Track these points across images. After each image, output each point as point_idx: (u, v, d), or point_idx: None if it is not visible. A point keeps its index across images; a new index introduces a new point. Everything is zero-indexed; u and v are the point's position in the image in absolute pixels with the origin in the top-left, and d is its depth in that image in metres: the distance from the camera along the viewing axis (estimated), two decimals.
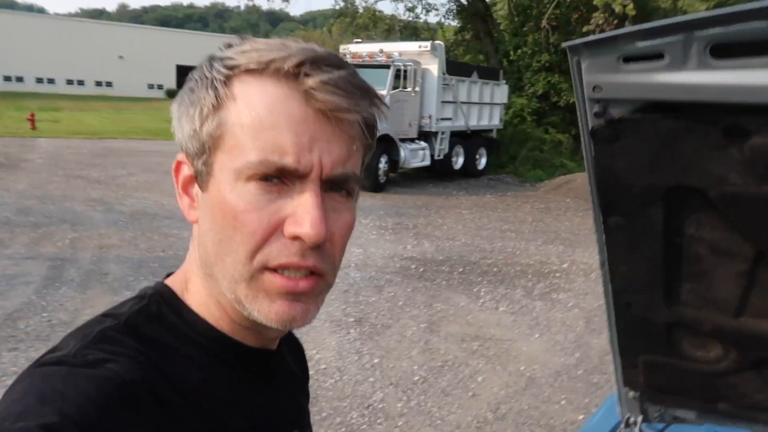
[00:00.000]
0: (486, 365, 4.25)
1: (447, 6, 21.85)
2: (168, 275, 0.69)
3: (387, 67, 12.22)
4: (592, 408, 3.74)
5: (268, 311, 0.58)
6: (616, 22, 14.69)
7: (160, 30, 67.01)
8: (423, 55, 13.05)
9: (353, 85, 0.57)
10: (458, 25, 23.01)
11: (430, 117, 12.83)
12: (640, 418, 1.48)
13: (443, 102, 13.21)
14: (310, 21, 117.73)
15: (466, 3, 20.36)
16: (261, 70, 0.56)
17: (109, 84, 55.76)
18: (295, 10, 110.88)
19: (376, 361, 4.22)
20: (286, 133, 0.55)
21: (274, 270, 0.57)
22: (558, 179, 13.78)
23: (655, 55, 0.73)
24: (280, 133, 0.55)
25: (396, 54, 12.83)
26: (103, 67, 55.04)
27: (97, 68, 54.79)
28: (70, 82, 54.17)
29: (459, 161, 14.08)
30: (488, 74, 15.25)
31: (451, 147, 13.61)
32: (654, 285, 1.09)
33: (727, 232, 0.92)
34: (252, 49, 0.58)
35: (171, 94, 56.26)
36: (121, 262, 6.07)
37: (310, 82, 0.55)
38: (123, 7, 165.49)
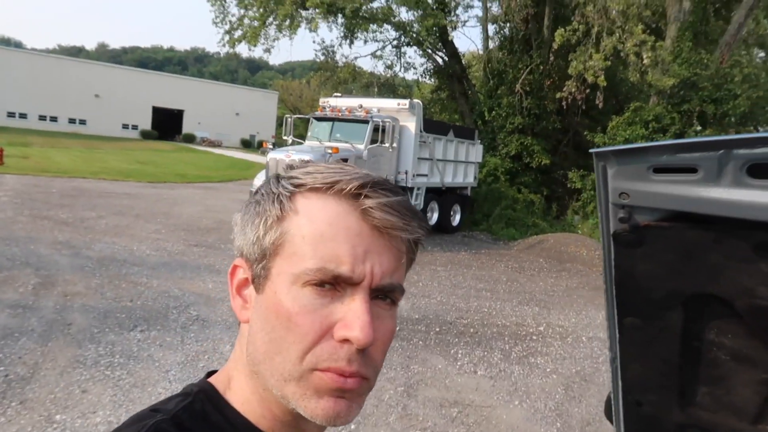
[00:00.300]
0: None
1: (424, 65, 22.53)
2: (209, 373, 0.73)
3: (366, 122, 12.43)
4: None
5: (315, 407, 0.61)
6: (588, 91, 15.31)
7: (138, 71, 67.17)
8: (401, 112, 13.32)
9: (406, 208, 0.65)
10: (435, 84, 23.70)
11: (406, 173, 12.98)
12: None
13: (420, 158, 13.41)
14: (289, 71, 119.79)
15: (443, 64, 21.05)
16: (325, 189, 0.63)
17: (82, 122, 55.31)
18: (275, 59, 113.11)
19: (352, 427, 4.06)
20: (343, 244, 0.61)
21: (323, 371, 0.61)
22: (531, 239, 13.95)
23: (688, 169, 0.74)
24: (338, 245, 0.61)
25: (375, 110, 13.08)
26: (77, 105, 54.71)
27: (72, 105, 54.43)
28: (42, 117, 53.60)
29: (434, 217, 14.19)
30: (464, 133, 15.61)
31: (426, 203, 13.74)
32: (668, 386, 1.08)
33: (749, 340, 0.92)
34: (316, 171, 0.66)
35: (146, 135, 56.16)
36: (86, 312, 5.82)
37: (369, 202, 0.62)
38: (102, 46, 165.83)
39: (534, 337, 6.64)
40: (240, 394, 0.67)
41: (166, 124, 60.34)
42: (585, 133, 17.70)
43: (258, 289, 0.65)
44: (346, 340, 0.60)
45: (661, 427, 1.14)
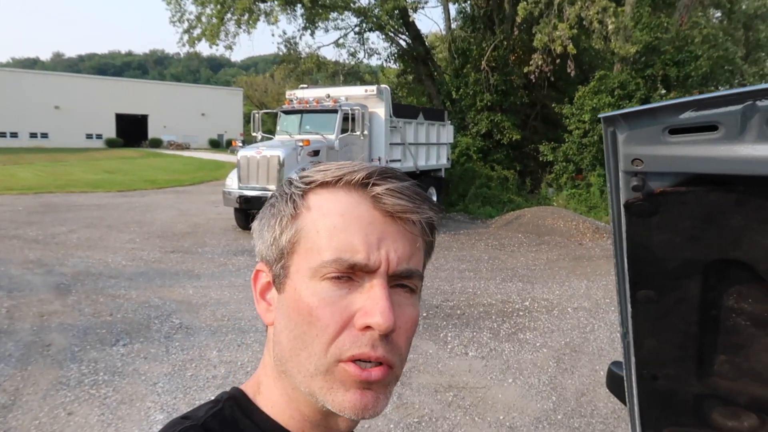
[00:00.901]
0: (464, 417, 4.12)
1: (388, 50, 22.35)
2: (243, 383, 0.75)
3: (335, 111, 12.29)
4: None
5: (342, 401, 0.61)
6: (558, 61, 15.35)
7: (97, 78, 65.51)
8: (369, 99, 13.20)
9: (415, 192, 0.65)
10: (400, 68, 23.57)
11: (379, 159, 12.90)
12: None
13: (391, 144, 13.34)
14: (252, 66, 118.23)
15: (406, 47, 20.91)
16: (334, 182, 0.65)
17: (44, 135, 53.89)
18: (237, 55, 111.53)
19: None
20: (356, 233, 0.62)
21: (347, 361, 0.61)
22: (508, 215, 14.02)
23: (708, 127, 0.68)
24: (351, 234, 0.62)
25: (343, 98, 12.94)
26: (38, 118, 53.25)
27: (32, 119, 52.97)
28: (2, 134, 52.07)
29: None
30: (433, 115, 15.57)
31: None
32: (685, 358, 1.06)
33: None
34: (326, 168, 0.67)
35: (111, 144, 54.98)
36: (65, 331, 5.66)
37: (378, 189, 0.63)
38: (58, 56, 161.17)
39: (521, 313, 6.68)
40: (269, 397, 0.69)
41: (131, 130, 59.10)
42: (553, 105, 17.81)
43: (279, 289, 0.67)
44: (367, 327, 0.60)
45: (677, 399, 1.12)
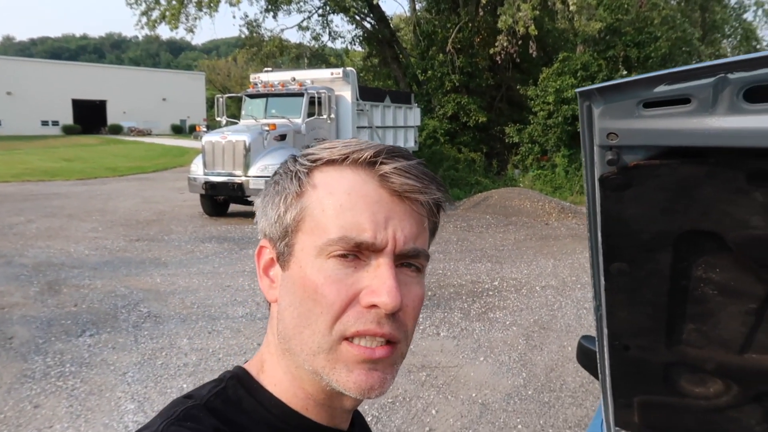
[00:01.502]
0: (437, 396, 4.18)
1: (353, 33, 22.16)
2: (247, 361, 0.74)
3: (301, 95, 12.16)
4: (549, 429, 3.76)
5: (347, 380, 0.61)
6: (521, 43, 15.45)
7: (52, 63, 63.05)
8: (335, 82, 13.09)
9: (423, 173, 0.64)
10: (365, 51, 23.39)
11: None
12: None
13: (359, 127, 13.29)
14: (214, 50, 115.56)
15: (371, 29, 20.74)
16: (341, 160, 0.64)
17: None
18: (198, 38, 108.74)
19: None
20: (363, 212, 0.61)
21: (351, 340, 0.61)
22: (476, 197, 14.16)
23: (681, 100, 0.69)
24: (358, 213, 0.61)
25: (308, 82, 12.80)
26: None
27: None
28: None
29: None
30: (400, 98, 15.55)
31: None
32: (655, 328, 1.08)
33: (738, 272, 0.92)
34: (332, 146, 0.66)
35: (69, 131, 53.20)
36: (28, 323, 5.49)
37: (386, 168, 0.62)
38: (8, 40, 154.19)
39: (490, 293, 6.77)
40: (272, 375, 0.68)
41: (89, 116, 57.19)
42: (518, 87, 17.96)
43: (283, 267, 0.66)
44: (373, 306, 0.60)
45: (648, 368, 1.15)
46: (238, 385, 0.67)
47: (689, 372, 1.17)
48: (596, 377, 1.35)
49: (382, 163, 0.63)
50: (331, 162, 0.64)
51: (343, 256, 0.61)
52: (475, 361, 4.82)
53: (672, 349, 1.10)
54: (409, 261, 0.64)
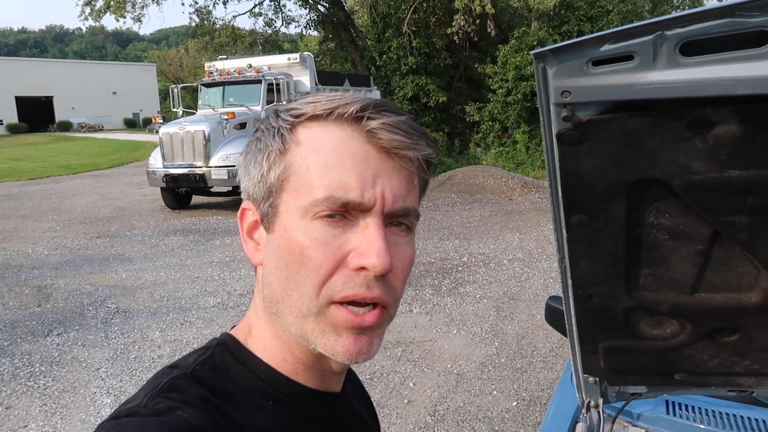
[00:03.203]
0: (414, 369, 4.26)
1: (307, 17, 21.85)
2: (234, 327, 0.72)
3: (258, 81, 11.98)
4: (523, 393, 3.89)
5: (335, 345, 0.60)
6: (478, 22, 15.52)
7: None
8: (293, 67, 12.94)
9: (411, 128, 0.61)
10: (321, 36, 23.12)
11: None
12: (600, 401, 1.54)
13: None
14: (163, 40, 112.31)
15: (326, 12, 20.50)
16: (326, 115, 0.61)
17: None
18: (146, 29, 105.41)
19: None
20: (350, 170, 0.58)
21: (340, 303, 0.59)
22: (440, 176, 14.27)
23: (625, 57, 0.75)
24: (344, 171, 0.58)
25: (265, 68, 12.61)
26: None
27: None
28: None
29: None
30: (359, 81, 15.49)
31: None
32: (615, 275, 1.14)
33: (685, 217, 0.98)
34: (316, 100, 0.62)
35: (14, 129, 51.06)
36: None
37: (373, 123, 0.59)
38: None
39: (459, 269, 6.89)
40: (261, 340, 0.66)
41: (35, 114, 54.92)
42: (476, 65, 18.09)
43: (268, 229, 0.63)
44: (362, 269, 0.58)
45: (610, 315, 1.20)
46: (226, 352, 0.66)
47: (647, 315, 1.23)
48: (564, 334, 1.41)
49: (369, 118, 0.59)
50: (315, 117, 0.61)
51: (330, 216, 0.58)
52: (449, 335, 4.92)
53: (631, 295, 1.15)
54: (398, 220, 0.61)
